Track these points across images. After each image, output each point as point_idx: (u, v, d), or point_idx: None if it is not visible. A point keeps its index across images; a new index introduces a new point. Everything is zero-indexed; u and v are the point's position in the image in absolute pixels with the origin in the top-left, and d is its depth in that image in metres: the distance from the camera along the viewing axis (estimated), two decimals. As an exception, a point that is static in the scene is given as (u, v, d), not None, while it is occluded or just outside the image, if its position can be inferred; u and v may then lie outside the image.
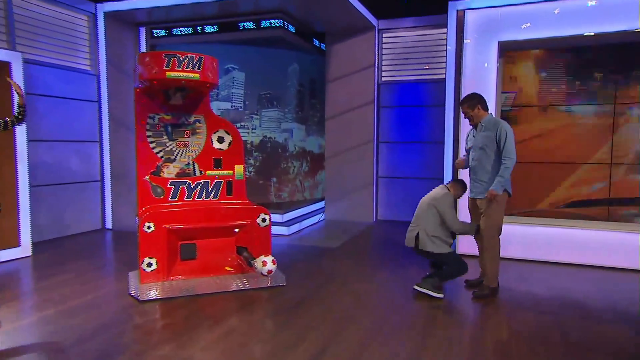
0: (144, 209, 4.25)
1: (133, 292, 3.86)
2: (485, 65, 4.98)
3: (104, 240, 6.32)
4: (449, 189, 3.92)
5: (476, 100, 3.90)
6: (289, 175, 7.94)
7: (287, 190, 7.90)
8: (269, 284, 4.12)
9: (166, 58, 3.70)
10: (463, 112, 3.98)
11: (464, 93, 5.18)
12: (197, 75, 3.81)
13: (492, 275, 3.86)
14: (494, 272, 3.85)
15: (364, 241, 6.26)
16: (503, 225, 3.89)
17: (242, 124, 7.53)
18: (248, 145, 7.58)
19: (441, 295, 3.79)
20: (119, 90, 6.91)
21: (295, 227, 6.74)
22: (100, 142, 6.89)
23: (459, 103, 4.07)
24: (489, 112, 3.93)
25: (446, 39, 6.57)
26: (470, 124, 3.99)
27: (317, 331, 3.14)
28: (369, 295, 3.92)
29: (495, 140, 3.73)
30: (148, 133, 4.30)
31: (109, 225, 6.95)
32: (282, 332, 3.15)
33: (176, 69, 3.72)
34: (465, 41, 5.12)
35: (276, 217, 6.57)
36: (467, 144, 4.06)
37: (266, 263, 3.95)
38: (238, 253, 4.37)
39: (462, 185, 3.97)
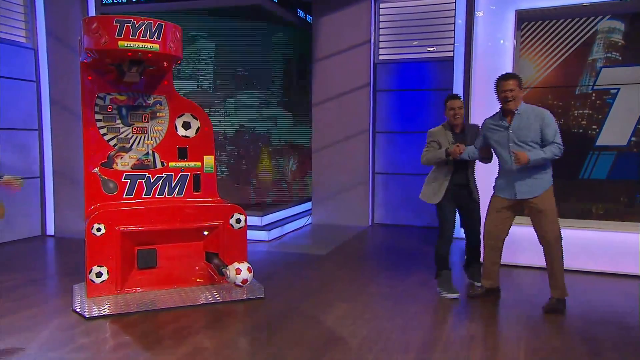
0: (92, 207, 4.19)
1: (78, 308, 3.79)
2: (502, 42, 5.02)
3: (44, 248, 6.22)
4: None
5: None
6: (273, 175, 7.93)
7: (270, 196, 7.90)
8: (244, 296, 4.09)
9: (118, 24, 3.65)
10: (507, 91, 3.75)
11: (475, 73, 5.21)
12: (156, 45, 3.76)
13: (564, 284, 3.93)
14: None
15: (357, 248, 6.25)
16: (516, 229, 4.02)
17: (212, 109, 7.48)
18: (220, 137, 7.53)
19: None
20: (64, 67, 6.80)
21: (276, 232, 6.72)
22: (40, 130, 6.77)
23: (501, 78, 3.84)
24: None
25: (454, 9, 6.65)
26: (506, 108, 3.82)
27: (298, 351, 3.13)
28: (360, 311, 3.91)
29: (540, 131, 3.76)
30: (97, 117, 4.24)
31: (50, 231, 6.83)
32: (259, 352, 3.12)
33: (130, 37, 3.67)
34: (477, 14, 5.15)
35: (254, 220, 6.54)
36: (488, 138, 3.99)
37: (240, 271, 3.91)
38: (207, 260, 4.33)
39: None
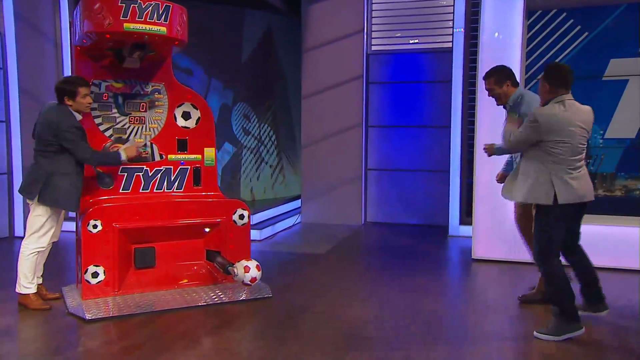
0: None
1: (74, 311, 3.72)
2: (496, 35, 5.15)
3: (13, 251, 6.01)
4: None
5: (505, 74, 3.88)
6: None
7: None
8: (250, 296, 4.09)
9: (123, 5, 3.59)
10: (487, 89, 3.91)
11: (481, 65, 5.33)
12: (163, 28, 3.72)
13: None
14: None
15: (355, 247, 6.34)
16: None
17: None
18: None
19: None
20: (34, 54, 6.62)
21: (267, 231, 6.73)
22: (8, 122, 6.58)
23: (483, 77, 3.98)
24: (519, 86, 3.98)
25: (454, -2, 6.79)
26: (498, 105, 3.96)
27: (320, 349, 3.17)
28: (376, 309, 3.98)
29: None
30: (92, 105, 4.16)
31: (20, 232, 6.62)
32: (279, 351, 3.14)
33: (136, 19, 3.62)
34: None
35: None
36: None
37: (249, 269, 3.92)
38: (208, 259, 4.31)
39: None
